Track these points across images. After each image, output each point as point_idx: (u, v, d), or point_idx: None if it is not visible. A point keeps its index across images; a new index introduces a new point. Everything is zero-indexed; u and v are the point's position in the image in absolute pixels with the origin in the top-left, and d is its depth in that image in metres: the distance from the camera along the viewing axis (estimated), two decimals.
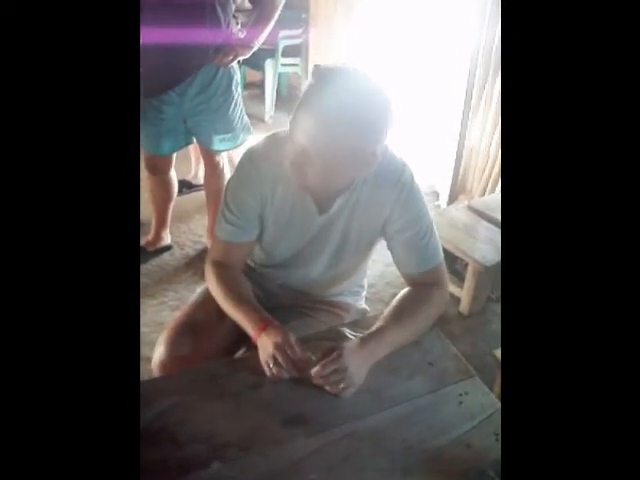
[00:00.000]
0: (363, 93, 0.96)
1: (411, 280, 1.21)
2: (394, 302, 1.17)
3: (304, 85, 0.99)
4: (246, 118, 2.28)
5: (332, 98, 0.94)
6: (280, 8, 2.09)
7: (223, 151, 2.26)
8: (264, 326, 1.08)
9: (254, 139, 1.20)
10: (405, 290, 1.20)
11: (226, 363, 1.13)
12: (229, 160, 2.42)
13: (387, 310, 1.15)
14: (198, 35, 1.90)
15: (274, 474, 0.89)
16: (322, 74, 0.97)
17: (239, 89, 2.19)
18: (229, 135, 2.19)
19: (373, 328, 1.10)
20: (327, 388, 1.01)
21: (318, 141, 0.96)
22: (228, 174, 2.35)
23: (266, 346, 1.05)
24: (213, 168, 2.32)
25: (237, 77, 2.15)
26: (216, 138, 2.17)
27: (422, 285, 1.18)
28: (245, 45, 2.07)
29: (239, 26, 2.11)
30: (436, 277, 1.19)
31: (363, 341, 1.06)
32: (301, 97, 0.98)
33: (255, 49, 2.11)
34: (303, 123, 0.97)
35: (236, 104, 2.18)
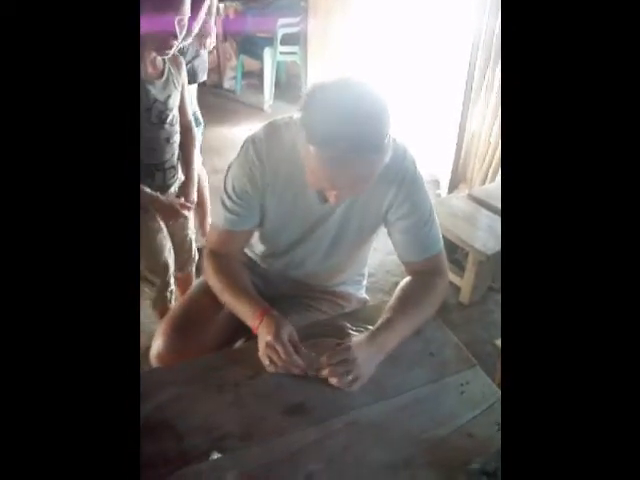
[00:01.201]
0: (365, 117, 0.90)
1: (412, 268, 1.20)
2: (397, 292, 1.16)
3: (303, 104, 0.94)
4: (198, 113, 2.19)
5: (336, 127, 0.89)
6: None
7: None
8: (261, 316, 1.07)
9: (254, 128, 1.17)
10: (406, 279, 1.20)
11: (225, 354, 1.13)
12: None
13: (391, 301, 1.14)
14: None
15: (274, 464, 0.88)
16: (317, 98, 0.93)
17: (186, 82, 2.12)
18: None
19: (380, 321, 1.09)
20: (334, 381, 1.00)
21: (328, 169, 0.94)
22: (202, 173, 2.29)
23: (261, 341, 1.04)
24: None
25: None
26: None
27: (423, 273, 1.18)
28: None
29: None
30: (437, 265, 1.19)
31: (372, 335, 1.05)
32: (303, 116, 0.94)
33: (195, 32, 2.01)
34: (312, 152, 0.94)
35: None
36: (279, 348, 1.01)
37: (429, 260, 1.18)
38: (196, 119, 2.19)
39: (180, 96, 1.61)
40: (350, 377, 0.99)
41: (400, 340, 1.09)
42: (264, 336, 1.03)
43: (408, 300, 1.13)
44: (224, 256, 1.21)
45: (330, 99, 0.92)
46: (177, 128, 1.61)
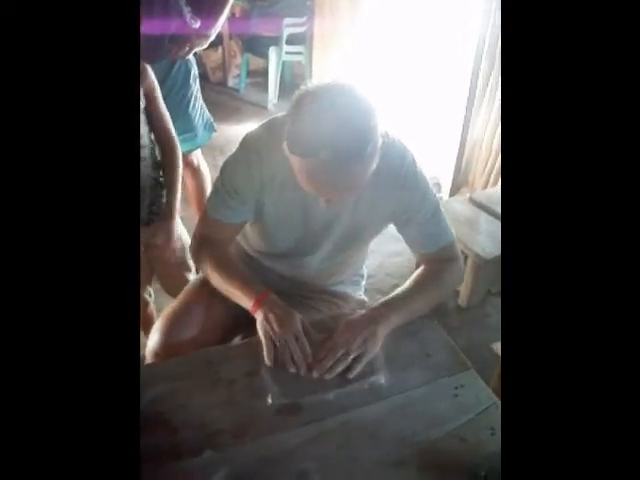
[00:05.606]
0: (353, 126, 0.89)
1: (426, 258, 1.23)
2: (413, 277, 1.19)
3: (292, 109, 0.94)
4: (208, 114, 2.13)
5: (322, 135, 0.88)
6: None
7: (185, 152, 1.96)
8: (260, 300, 1.09)
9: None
10: (422, 267, 1.22)
11: (222, 350, 1.13)
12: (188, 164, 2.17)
13: (407, 282, 1.18)
14: (146, 26, 1.60)
15: (267, 462, 0.88)
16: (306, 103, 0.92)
17: (197, 84, 2.03)
18: (190, 134, 2.01)
19: (392, 294, 1.12)
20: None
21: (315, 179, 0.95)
22: (205, 171, 2.26)
23: (265, 325, 1.05)
24: (186, 169, 2.13)
25: (194, 71, 2.00)
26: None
27: (438, 261, 1.20)
28: (201, 35, 1.91)
29: (190, 14, 1.90)
30: (451, 252, 1.21)
31: (382, 304, 1.08)
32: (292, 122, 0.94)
33: (212, 38, 1.97)
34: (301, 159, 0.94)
35: (195, 100, 2.03)
36: (291, 338, 1.03)
37: (443, 249, 1.20)
38: (210, 125, 2.16)
39: (147, 113, 1.45)
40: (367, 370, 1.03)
41: (409, 317, 1.12)
42: (271, 323, 1.05)
43: (423, 282, 1.17)
44: (215, 241, 1.22)
45: (311, 110, 0.90)
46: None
